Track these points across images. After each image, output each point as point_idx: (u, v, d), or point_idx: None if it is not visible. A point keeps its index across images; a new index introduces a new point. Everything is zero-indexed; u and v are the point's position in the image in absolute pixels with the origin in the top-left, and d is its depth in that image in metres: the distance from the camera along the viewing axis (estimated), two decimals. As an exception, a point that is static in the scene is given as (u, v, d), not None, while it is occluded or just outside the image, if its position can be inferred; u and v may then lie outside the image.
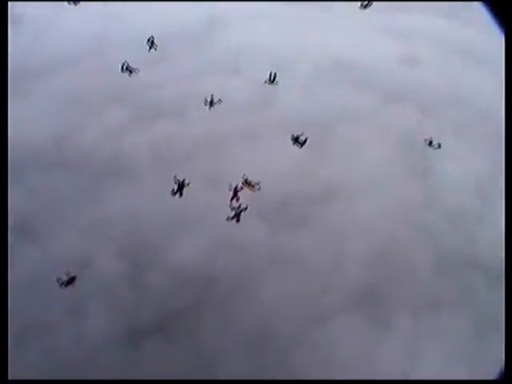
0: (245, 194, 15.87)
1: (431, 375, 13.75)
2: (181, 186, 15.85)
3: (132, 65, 19.87)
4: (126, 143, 18.58)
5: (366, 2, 20.08)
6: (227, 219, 15.34)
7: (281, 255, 16.00)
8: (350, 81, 20.64)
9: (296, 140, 17.78)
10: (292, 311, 14.94)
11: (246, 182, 15.65)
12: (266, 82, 18.66)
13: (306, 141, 17.72)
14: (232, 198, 15.39)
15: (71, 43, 21.79)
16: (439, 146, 17.46)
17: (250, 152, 18.30)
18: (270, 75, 18.94)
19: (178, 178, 16.24)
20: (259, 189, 15.85)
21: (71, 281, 14.83)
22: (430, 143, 17.46)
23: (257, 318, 14.80)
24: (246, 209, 15.27)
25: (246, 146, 18.50)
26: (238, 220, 15.29)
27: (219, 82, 20.28)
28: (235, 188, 15.45)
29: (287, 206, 17.10)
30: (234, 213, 15.36)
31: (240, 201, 15.46)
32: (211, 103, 18.36)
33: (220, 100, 18.16)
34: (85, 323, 14.68)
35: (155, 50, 20.05)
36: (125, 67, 19.17)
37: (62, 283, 14.70)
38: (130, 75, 19.34)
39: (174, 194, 15.85)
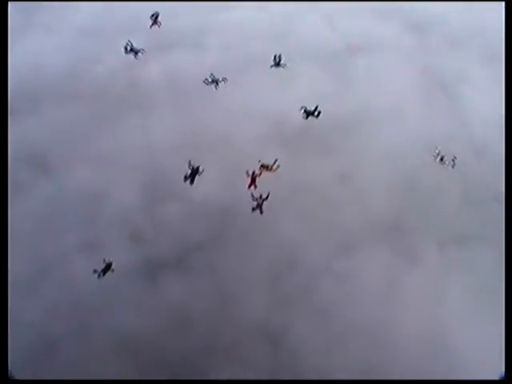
0: (264, 179, 14.64)
1: (457, 310, 13.24)
2: (194, 173, 14.66)
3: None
4: (142, 74, 17.27)
5: None
6: (252, 210, 14.17)
7: (303, 185, 15.23)
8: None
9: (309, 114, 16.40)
10: (315, 241, 14.29)
11: (263, 166, 14.48)
12: (272, 66, 17.20)
13: (320, 113, 16.26)
14: (250, 185, 14.23)
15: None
16: (453, 163, 15.12)
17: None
18: (275, 58, 17.47)
19: (193, 163, 15.11)
20: (278, 167, 14.62)
21: (107, 268, 13.92)
22: (442, 159, 15.10)
23: (279, 248, 14.15)
24: (267, 197, 14.12)
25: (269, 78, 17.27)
26: (261, 211, 14.12)
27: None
28: (253, 174, 14.27)
29: (310, 134, 16.20)
30: (256, 203, 14.20)
31: (258, 187, 14.27)
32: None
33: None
34: (101, 255, 14.02)
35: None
36: (128, 48, 17.67)
37: (99, 273, 13.83)
38: (135, 56, 17.77)
39: (185, 179, 14.70)
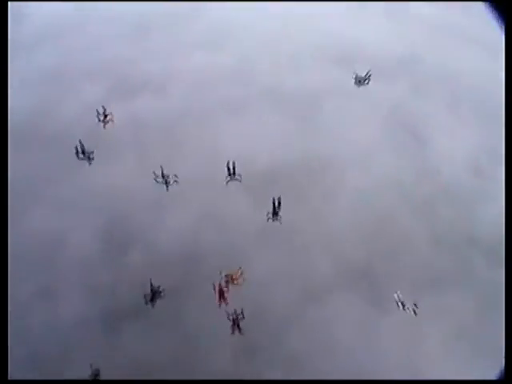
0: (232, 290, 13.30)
1: (433, 356, 12.55)
2: (154, 293, 13.23)
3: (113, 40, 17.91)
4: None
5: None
6: (231, 332, 12.68)
7: (269, 231, 14.55)
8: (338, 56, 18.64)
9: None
10: (284, 290, 13.52)
11: (227, 276, 13.17)
12: None
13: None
14: (220, 300, 12.84)
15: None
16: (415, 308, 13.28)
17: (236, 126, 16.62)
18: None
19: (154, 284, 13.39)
20: (243, 278, 13.21)
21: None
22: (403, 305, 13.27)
23: (247, 298, 13.15)
24: (242, 313, 12.66)
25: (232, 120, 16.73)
26: (239, 330, 12.63)
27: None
28: (220, 288, 12.95)
29: (275, 180, 15.58)
30: (232, 322, 12.73)
31: (227, 300, 12.88)
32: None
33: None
34: (58, 304, 13.17)
35: None
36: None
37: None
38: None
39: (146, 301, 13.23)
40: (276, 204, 14.30)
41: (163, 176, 15.15)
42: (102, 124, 16.74)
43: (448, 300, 13.34)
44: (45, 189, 15.32)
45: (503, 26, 10.18)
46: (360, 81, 17.69)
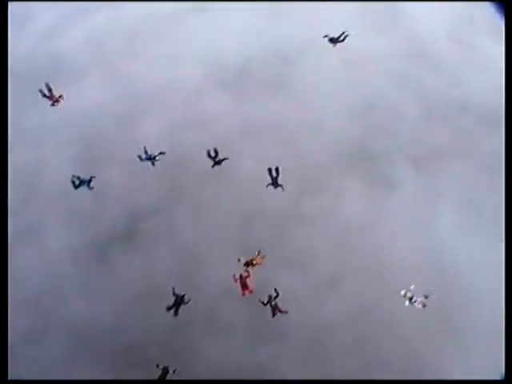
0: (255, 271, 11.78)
1: (448, 229, 11.90)
2: (178, 302, 11.50)
3: None
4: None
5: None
6: (272, 315, 11.37)
7: (255, 125, 13.48)
8: None
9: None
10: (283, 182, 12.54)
11: (247, 264, 11.79)
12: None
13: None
14: (244, 293, 11.54)
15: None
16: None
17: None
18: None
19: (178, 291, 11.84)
20: (264, 257, 11.84)
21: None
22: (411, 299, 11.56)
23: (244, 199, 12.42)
24: (277, 295, 11.42)
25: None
26: (280, 311, 11.35)
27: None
28: (240, 278, 11.67)
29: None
30: (269, 306, 11.50)
31: (251, 287, 11.55)
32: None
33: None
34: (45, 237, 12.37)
35: None
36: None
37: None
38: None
39: (168, 309, 11.64)
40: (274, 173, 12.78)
41: None
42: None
43: (451, 171, 12.58)
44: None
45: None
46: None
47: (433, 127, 13.22)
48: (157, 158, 12.86)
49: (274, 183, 12.41)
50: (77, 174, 12.86)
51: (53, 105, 13.94)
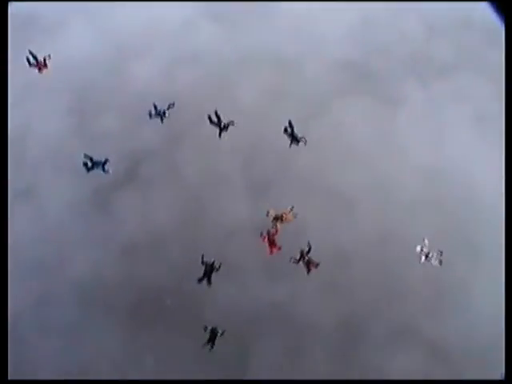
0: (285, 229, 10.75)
1: (460, 141, 11.43)
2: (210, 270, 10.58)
3: None
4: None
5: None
6: (307, 272, 10.42)
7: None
8: None
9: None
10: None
11: (276, 219, 10.70)
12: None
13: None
14: (271, 251, 10.47)
15: None
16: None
17: None
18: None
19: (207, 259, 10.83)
20: (295, 215, 10.75)
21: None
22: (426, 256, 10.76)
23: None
24: (310, 249, 10.39)
25: None
26: (316, 266, 10.38)
27: None
28: (268, 234, 10.57)
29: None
30: (303, 263, 10.49)
31: (278, 246, 10.48)
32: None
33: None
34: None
35: None
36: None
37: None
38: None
39: (199, 281, 10.64)
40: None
41: None
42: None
43: (460, 84, 11.98)
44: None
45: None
46: None
47: (437, 43, 12.50)
48: (166, 113, 11.82)
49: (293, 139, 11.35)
50: (88, 154, 11.69)
51: (40, 70, 12.81)
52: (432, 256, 10.27)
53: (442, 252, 10.20)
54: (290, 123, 11.27)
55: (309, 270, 10.30)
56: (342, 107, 11.75)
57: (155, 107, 11.94)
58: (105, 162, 11.50)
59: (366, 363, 9.97)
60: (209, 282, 10.44)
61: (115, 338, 10.26)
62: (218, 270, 10.38)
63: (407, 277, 10.36)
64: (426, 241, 10.34)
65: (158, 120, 11.93)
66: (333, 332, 10.10)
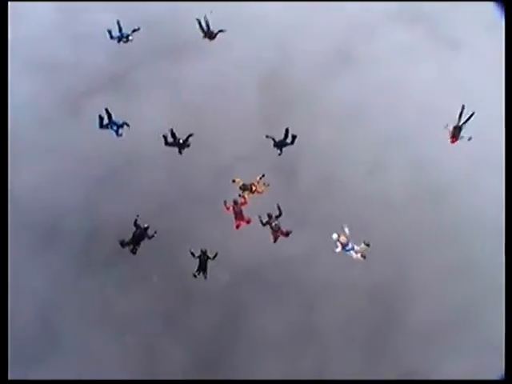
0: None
1: None
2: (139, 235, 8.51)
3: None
4: None
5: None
6: (274, 241, 8.57)
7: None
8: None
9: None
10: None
11: (245, 188, 8.74)
12: None
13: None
14: (238, 225, 8.55)
15: None
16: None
17: None
18: None
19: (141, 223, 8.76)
20: (268, 185, 8.82)
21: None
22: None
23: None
24: (280, 213, 8.53)
25: None
26: (282, 233, 8.47)
27: None
28: (235, 205, 8.57)
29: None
30: (272, 231, 8.58)
31: (247, 218, 8.50)
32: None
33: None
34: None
35: None
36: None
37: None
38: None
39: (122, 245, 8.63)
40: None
41: None
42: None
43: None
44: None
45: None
46: None
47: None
48: (130, 37, 9.46)
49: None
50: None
51: None
52: (353, 248, 8.32)
53: (369, 244, 8.30)
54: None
55: (275, 239, 8.46)
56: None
57: (119, 26, 9.41)
58: (122, 125, 9.10)
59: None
60: (133, 251, 8.40)
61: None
62: (150, 237, 8.36)
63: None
64: (347, 229, 8.35)
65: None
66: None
